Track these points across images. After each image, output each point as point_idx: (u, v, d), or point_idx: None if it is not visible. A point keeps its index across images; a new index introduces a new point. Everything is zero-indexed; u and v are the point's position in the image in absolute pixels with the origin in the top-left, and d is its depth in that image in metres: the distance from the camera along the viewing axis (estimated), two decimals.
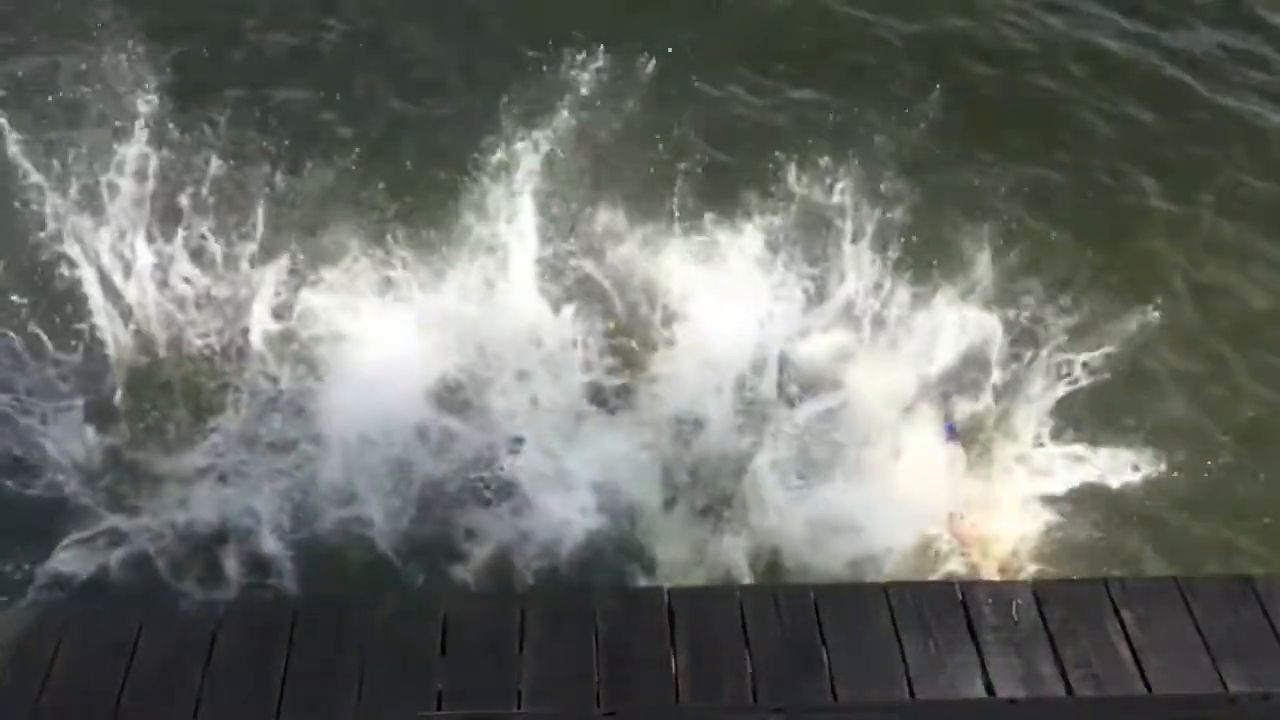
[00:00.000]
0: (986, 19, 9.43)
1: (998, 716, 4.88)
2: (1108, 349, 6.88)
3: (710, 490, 6.39)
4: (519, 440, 6.49)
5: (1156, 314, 7.09)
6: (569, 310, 7.01)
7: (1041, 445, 6.56)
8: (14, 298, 6.86)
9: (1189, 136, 8.61)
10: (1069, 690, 4.91)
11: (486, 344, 6.88)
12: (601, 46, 7.65)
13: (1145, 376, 7.00)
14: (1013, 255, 7.25)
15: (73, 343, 6.76)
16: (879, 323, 6.99)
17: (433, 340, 6.83)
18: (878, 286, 7.08)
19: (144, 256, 6.95)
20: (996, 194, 7.78)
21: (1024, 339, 6.93)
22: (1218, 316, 7.43)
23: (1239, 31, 9.53)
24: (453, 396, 6.66)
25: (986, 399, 6.75)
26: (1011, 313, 6.99)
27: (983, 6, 9.53)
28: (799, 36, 9.11)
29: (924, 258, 7.25)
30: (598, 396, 6.78)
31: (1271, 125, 8.74)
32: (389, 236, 7.27)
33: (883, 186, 7.50)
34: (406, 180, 7.77)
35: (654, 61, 7.92)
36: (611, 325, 7.08)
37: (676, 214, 7.40)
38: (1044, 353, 6.88)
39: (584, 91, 7.47)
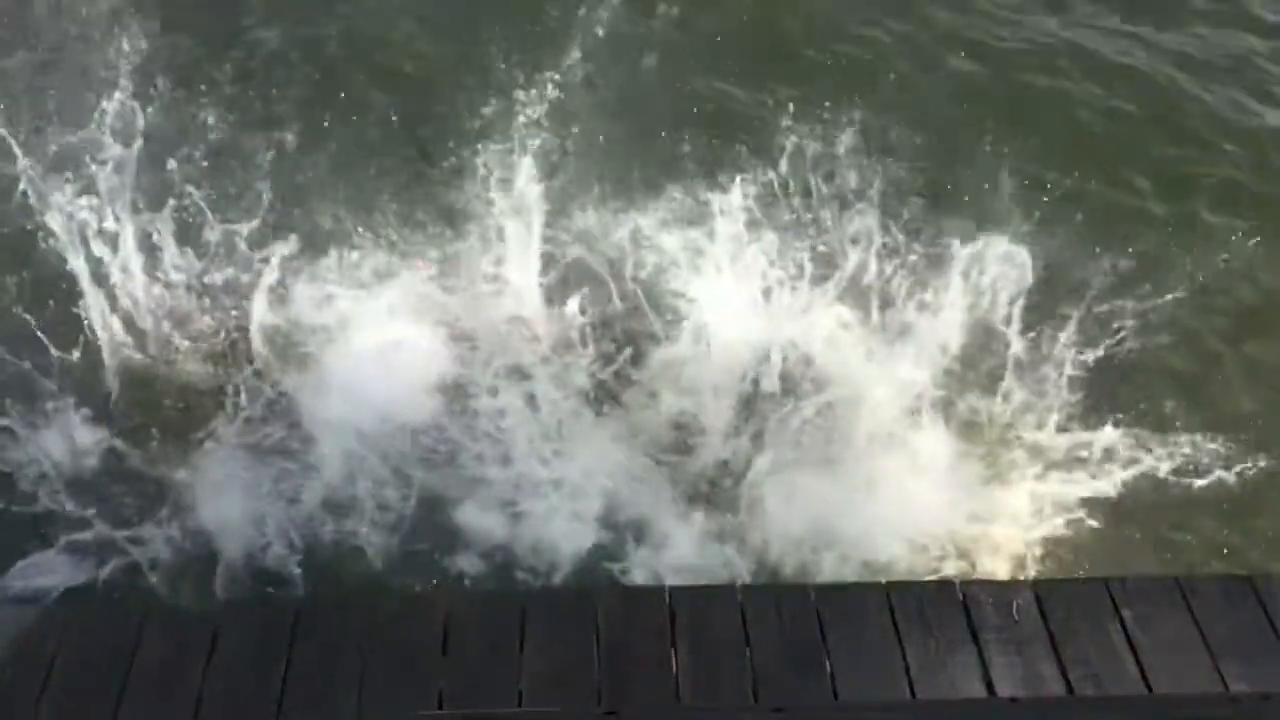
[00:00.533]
0: (984, 18, 9.42)
1: (998, 716, 4.89)
2: (1106, 348, 6.90)
3: (710, 489, 6.38)
4: (518, 439, 6.46)
5: (1155, 312, 7.10)
6: (567, 306, 7.00)
7: (1042, 444, 6.56)
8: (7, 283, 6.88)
9: (1188, 136, 8.61)
10: (1069, 690, 4.92)
11: (485, 341, 6.86)
12: (599, 43, 7.65)
13: (1143, 375, 6.99)
14: (1010, 255, 7.24)
15: (71, 333, 6.73)
16: (881, 315, 6.99)
17: (432, 337, 6.82)
18: (874, 283, 7.09)
19: (135, 250, 6.92)
20: (993, 193, 7.77)
21: (1021, 339, 6.91)
22: (1216, 315, 7.42)
23: (1238, 31, 9.53)
24: (452, 395, 6.64)
25: (983, 397, 6.75)
26: (1009, 313, 6.97)
27: (980, 6, 9.53)
28: (796, 34, 9.10)
29: (919, 256, 7.24)
30: (597, 393, 6.77)
31: (1270, 125, 8.74)
32: (387, 230, 7.28)
33: (882, 181, 7.52)
34: (404, 174, 7.78)
35: (653, 58, 7.94)
36: (611, 319, 7.07)
37: (677, 206, 7.43)
38: (1042, 352, 6.87)
39: (580, 85, 7.51)
